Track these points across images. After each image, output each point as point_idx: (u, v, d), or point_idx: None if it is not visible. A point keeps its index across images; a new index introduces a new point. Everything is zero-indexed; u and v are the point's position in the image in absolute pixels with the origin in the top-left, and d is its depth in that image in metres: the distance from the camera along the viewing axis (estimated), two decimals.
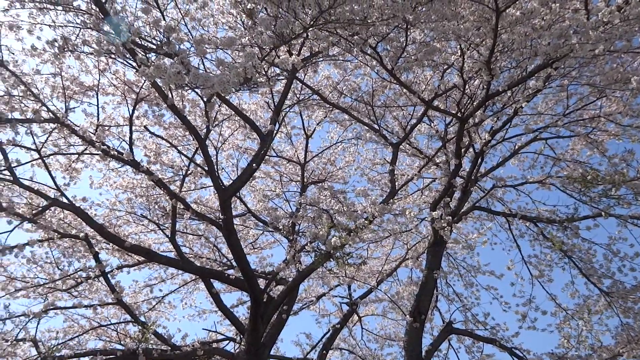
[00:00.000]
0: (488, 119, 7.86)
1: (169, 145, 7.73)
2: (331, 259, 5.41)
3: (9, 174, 5.98)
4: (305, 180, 9.19)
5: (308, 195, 9.19)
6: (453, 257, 9.90)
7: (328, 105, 8.43)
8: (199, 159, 7.84)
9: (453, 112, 7.47)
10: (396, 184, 7.56)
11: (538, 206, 8.61)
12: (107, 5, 4.84)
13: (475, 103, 7.16)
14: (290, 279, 7.27)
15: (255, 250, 10.03)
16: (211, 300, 8.49)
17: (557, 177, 8.26)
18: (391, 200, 6.84)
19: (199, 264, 8.52)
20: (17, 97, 5.66)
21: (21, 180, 6.20)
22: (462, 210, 7.99)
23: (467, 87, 7.10)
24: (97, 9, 4.86)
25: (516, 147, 8.43)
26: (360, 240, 5.94)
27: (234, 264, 8.91)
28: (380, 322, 11.25)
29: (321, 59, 6.36)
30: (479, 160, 8.01)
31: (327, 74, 8.26)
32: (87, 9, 5.60)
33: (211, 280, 7.38)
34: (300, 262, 7.69)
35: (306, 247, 6.86)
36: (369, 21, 3.63)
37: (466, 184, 7.94)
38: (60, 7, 5.60)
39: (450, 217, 5.90)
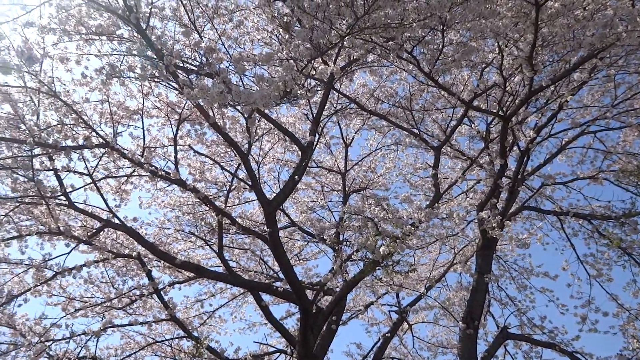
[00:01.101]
0: (532, 116, 7.64)
1: (212, 162, 7.91)
2: (379, 268, 5.36)
3: (64, 199, 6.27)
4: (346, 189, 9.18)
5: (350, 204, 9.17)
6: (503, 259, 9.62)
7: (366, 113, 8.41)
8: (242, 174, 7.98)
9: (494, 111, 7.30)
10: (440, 187, 7.44)
11: (591, 202, 8.27)
12: (147, 31, 5.04)
13: (517, 100, 6.98)
14: (338, 289, 7.25)
15: (301, 261, 10.07)
16: (260, 313, 8.58)
17: (609, 171, 7.92)
18: (436, 204, 6.72)
19: (246, 278, 8.62)
20: (69, 125, 5.93)
21: (76, 204, 6.49)
22: (511, 211, 7.75)
23: (507, 84, 6.94)
24: (140, 36, 5.05)
25: (563, 142, 8.14)
26: (407, 247, 5.85)
27: (281, 276, 8.98)
28: (431, 329, 11.04)
29: (358, 67, 6.36)
30: (525, 158, 7.77)
31: (363, 81, 8.26)
32: (129, 36, 5.84)
33: (260, 293, 7.46)
34: (347, 272, 7.65)
35: (352, 256, 6.83)
36: (405, 24, 3.60)
37: (513, 184, 7.72)
38: (104, 37, 5.87)
39: (500, 217, 5.74)
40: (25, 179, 5.99)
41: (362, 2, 3.31)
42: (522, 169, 7.85)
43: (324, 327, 7.09)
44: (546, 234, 9.19)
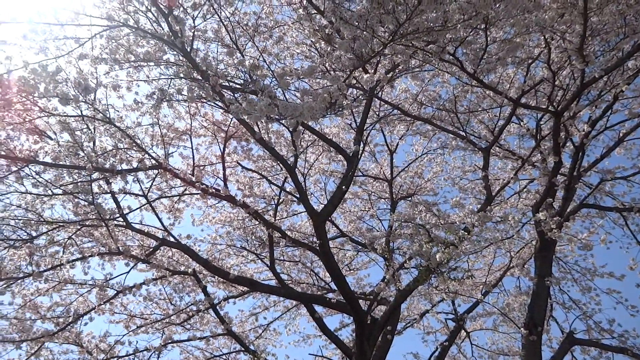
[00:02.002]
0: (585, 109, 7.31)
1: (259, 177, 8.03)
2: (434, 275, 5.25)
3: (122, 220, 6.53)
4: (394, 196, 9.08)
5: (399, 211, 9.06)
6: (564, 261, 9.20)
7: (409, 118, 8.32)
8: (289, 186, 8.05)
9: (545, 107, 7.04)
10: (491, 189, 7.23)
11: None
12: (192, 54, 5.20)
13: (569, 94, 6.71)
14: (392, 299, 7.15)
15: (352, 271, 10.01)
16: (315, 325, 8.57)
17: None
18: (488, 207, 6.53)
19: (299, 290, 8.66)
20: (124, 149, 6.19)
21: (133, 224, 6.74)
22: (569, 210, 7.41)
23: (556, 79, 6.69)
24: (185, 60, 5.23)
25: (620, 134, 7.72)
26: (461, 252, 5.71)
27: (333, 287, 8.98)
28: (490, 336, 10.67)
29: (401, 73, 6.31)
30: (580, 154, 7.43)
31: (405, 87, 8.18)
32: (175, 60, 6.05)
33: (313, 304, 7.46)
34: (400, 281, 7.54)
35: (405, 264, 6.72)
36: (449, 26, 3.55)
37: (569, 182, 7.39)
38: (152, 63, 6.11)
39: (558, 218, 5.50)
40: (86, 203, 6.29)
41: (403, 8, 3.28)
42: (578, 165, 7.51)
43: (380, 338, 6.99)
44: (608, 232, 8.69)
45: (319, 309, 8.15)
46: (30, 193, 6.08)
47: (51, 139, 5.71)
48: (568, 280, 9.05)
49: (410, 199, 9.54)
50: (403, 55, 4.06)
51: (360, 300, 7.58)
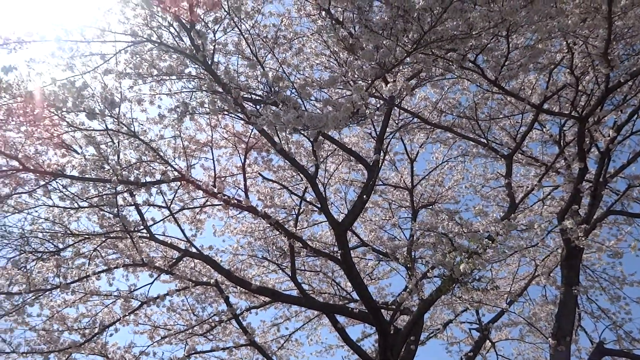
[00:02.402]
0: (610, 114, 7.17)
1: (280, 187, 8.06)
2: (457, 285, 5.18)
3: (146, 232, 6.61)
4: (415, 205, 9.02)
5: (420, 220, 8.98)
6: (591, 269, 8.98)
7: (429, 126, 8.28)
8: (309, 196, 8.06)
9: (568, 112, 6.94)
10: (515, 197, 7.13)
11: None
12: (213, 67, 5.27)
13: (593, 99, 6.60)
14: (414, 308, 7.07)
15: (373, 280, 9.95)
16: (337, 335, 8.53)
17: None
18: (512, 214, 6.44)
19: (320, 300, 8.63)
20: (147, 162, 6.28)
21: (156, 236, 6.82)
22: (596, 217, 7.26)
23: (580, 84, 6.59)
24: (207, 73, 5.30)
25: None
26: (485, 262, 5.62)
27: (354, 296, 8.92)
28: (516, 346, 10.45)
29: (423, 83, 6.29)
30: (606, 160, 7.29)
31: (424, 95, 8.15)
32: (197, 73, 6.14)
33: (335, 314, 7.42)
34: (422, 290, 7.46)
35: (427, 274, 6.65)
36: (473, 33, 3.53)
37: (595, 188, 7.24)
38: (174, 77, 6.21)
39: (585, 226, 5.39)
40: (111, 215, 6.39)
41: (428, 16, 3.28)
42: (604, 171, 7.36)
43: (403, 348, 6.90)
44: (637, 239, 8.49)
45: (341, 319, 8.09)
46: (58, 206, 6.20)
47: (77, 153, 5.83)
48: (596, 289, 8.83)
49: (431, 207, 9.46)
50: (425, 63, 4.05)
51: (383, 310, 7.51)
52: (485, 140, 7.86)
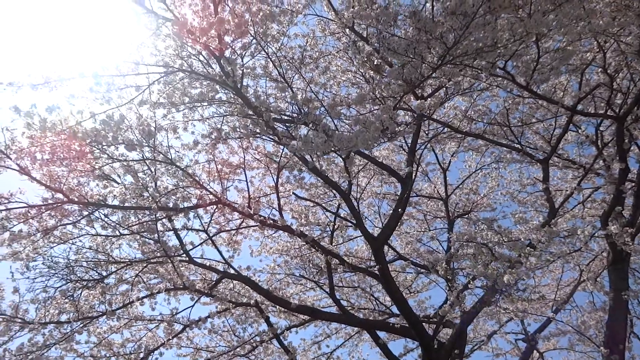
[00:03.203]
0: None
1: (313, 204, 8.09)
2: (502, 296, 5.06)
3: (185, 255, 6.74)
4: (450, 215, 8.89)
5: (457, 230, 8.84)
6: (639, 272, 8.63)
7: (460, 135, 8.19)
8: (343, 212, 8.06)
9: (603, 112, 6.76)
10: (554, 201, 6.95)
11: None
12: (242, 90, 5.39)
13: (630, 98, 6.41)
14: (457, 321, 6.93)
15: (412, 294, 9.80)
16: (378, 351, 8.42)
17: None
18: (553, 220, 6.27)
19: (360, 316, 8.56)
20: (184, 188, 6.43)
21: (195, 259, 6.94)
22: None
23: (614, 82, 6.42)
24: (238, 97, 5.42)
25: None
26: (529, 270, 5.49)
27: (394, 311, 8.81)
28: (566, 356, 10.06)
29: (452, 96, 6.26)
30: None
31: (453, 104, 8.08)
32: (227, 98, 6.29)
33: (375, 330, 7.35)
34: (464, 302, 7.31)
35: (469, 285, 6.53)
36: (499, 45, 3.51)
37: (638, 188, 6.99)
38: (205, 103, 6.37)
39: (631, 230, 5.20)
40: (151, 241, 6.55)
41: (452, 33, 3.29)
42: None
43: None
44: None
45: (381, 334, 8.01)
46: (100, 235, 6.40)
47: (117, 182, 6.02)
48: None
49: (467, 216, 9.31)
50: (452, 76, 4.04)
51: (424, 324, 7.39)
52: (519, 146, 7.72)
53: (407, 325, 6.68)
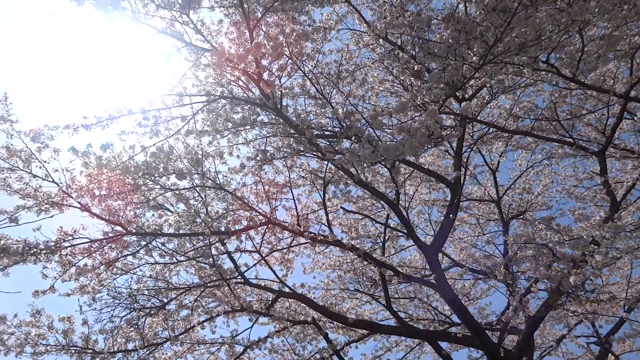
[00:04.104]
0: None
1: (361, 217, 8.05)
2: (569, 299, 4.82)
3: (240, 277, 6.84)
4: (504, 216, 8.62)
5: (513, 232, 8.55)
6: None
7: (507, 134, 7.96)
8: (392, 222, 7.98)
9: None
10: (615, 194, 6.60)
11: None
12: (282, 110, 5.48)
13: None
14: (522, 327, 6.66)
15: (472, 301, 9.53)
16: None
17: None
18: (616, 214, 5.96)
19: (419, 327, 8.38)
20: (233, 211, 6.56)
21: (250, 280, 7.04)
22: None
23: None
24: (279, 118, 5.51)
25: None
26: (595, 269, 5.21)
27: (454, 320, 8.58)
28: None
29: (497, 96, 6.12)
30: None
31: (497, 102, 7.88)
32: (269, 120, 6.41)
33: (437, 341, 7.16)
34: (528, 307, 7.03)
35: (531, 289, 6.27)
36: (543, 38, 3.40)
37: None
38: (248, 126, 6.51)
39: None
40: (207, 266, 6.70)
41: (492, 31, 3.22)
42: None
43: None
44: None
45: (444, 344, 7.81)
46: (159, 263, 6.61)
47: (171, 211, 6.22)
48: None
49: (522, 217, 8.99)
50: (495, 75, 3.94)
51: (488, 332, 7.15)
52: (570, 139, 7.40)
53: (469, 334, 6.48)
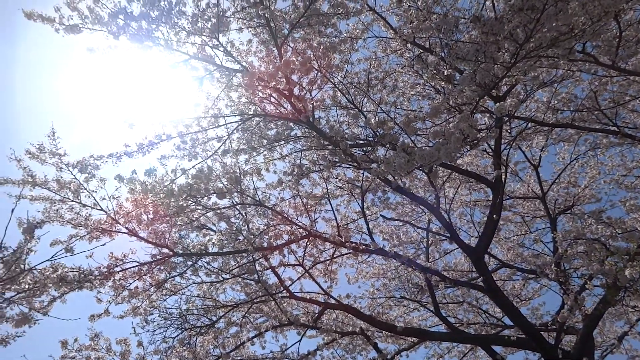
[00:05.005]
0: None
1: (402, 223, 7.98)
2: (628, 294, 4.61)
3: (286, 292, 6.89)
4: (551, 212, 8.33)
5: (561, 228, 8.27)
6: None
7: (546, 128, 7.73)
8: (434, 226, 7.87)
9: None
10: None
11: None
12: (315, 123, 5.52)
13: None
14: (579, 326, 6.40)
15: (523, 302, 9.22)
16: None
17: None
18: None
19: (471, 332, 8.19)
20: (274, 226, 6.63)
21: (295, 294, 7.07)
22: None
23: None
24: (312, 131, 5.56)
25: None
26: None
27: (507, 322, 8.33)
28: None
29: (533, 92, 5.97)
30: None
31: (534, 97, 7.67)
32: (302, 133, 6.47)
33: (490, 345, 6.98)
34: (584, 305, 6.75)
35: (586, 286, 6.03)
36: (576, 31, 3.30)
37: None
38: (282, 141, 6.60)
39: None
40: (252, 282, 6.78)
41: (521, 28, 3.15)
42: None
43: None
44: None
45: (497, 348, 7.58)
46: (205, 282, 6.75)
47: (214, 231, 6.35)
48: None
49: (570, 211, 8.67)
50: (529, 71, 3.85)
51: (543, 333, 6.90)
52: (615, 128, 7.12)
53: (524, 336, 6.27)
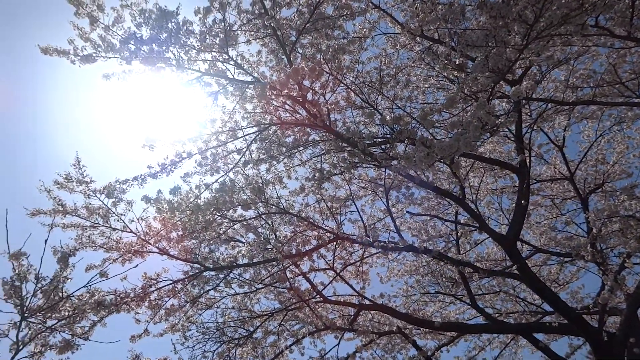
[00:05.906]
0: None
1: (429, 218, 7.91)
2: None
3: (319, 296, 6.90)
4: (581, 192, 8.13)
5: (592, 207, 8.06)
6: None
7: (567, 107, 7.56)
8: (462, 218, 7.77)
9: None
10: None
11: None
12: (332, 126, 5.54)
13: None
14: (623, 306, 6.22)
15: (562, 286, 9.02)
16: (542, 355, 7.78)
17: None
18: None
19: (511, 322, 8.04)
20: (300, 232, 6.66)
21: (329, 298, 7.08)
22: None
23: None
24: (329, 134, 5.57)
25: None
26: None
27: (547, 308, 8.15)
28: None
29: (547, 71, 5.86)
30: None
31: (550, 76, 7.52)
32: (320, 137, 6.49)
33: (532, 333, 6.83)
34: (625, 284, 6.56)
35: (625, 264, 5.86)
36: (586, 5, 3.23)
37: None
38: (301, 147, 6.62)
39: None
40: (285, 289, 6.81)
41: (530, 8, 3.10)
42: None
43: (625, 355, 6.04)
44: None
45: (540, 336, 7.43)
46: (239, 293, 6.81)
47: (242, 242, 6.41)
48: None
49: (601, 190, 8.44)
50: (542, 51, 3.78)
51: (585, 317, 6.72)
52: (639, 99, 6.92)
53: (565, 321, 6.14)
